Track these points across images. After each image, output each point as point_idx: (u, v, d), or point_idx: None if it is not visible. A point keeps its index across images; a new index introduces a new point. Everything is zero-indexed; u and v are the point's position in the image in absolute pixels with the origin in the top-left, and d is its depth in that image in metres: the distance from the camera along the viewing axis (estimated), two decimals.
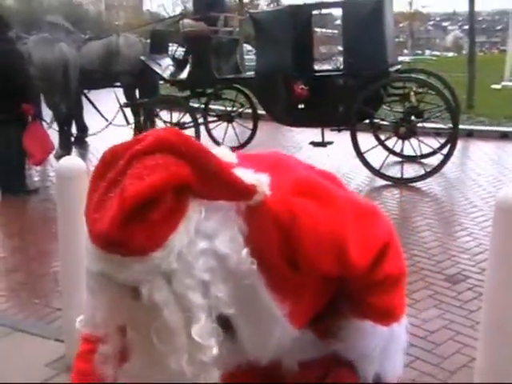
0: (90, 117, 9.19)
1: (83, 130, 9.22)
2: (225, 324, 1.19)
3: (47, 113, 8.45)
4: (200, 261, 1.05)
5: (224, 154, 1.22)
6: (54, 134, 7.79)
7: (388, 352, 1.39)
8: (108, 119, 8.39)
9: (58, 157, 6.68)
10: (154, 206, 0.99)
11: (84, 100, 9.17)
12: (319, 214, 1.19)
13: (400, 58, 8.78)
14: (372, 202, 1.47)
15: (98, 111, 8.75)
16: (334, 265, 1.21)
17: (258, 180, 1.14)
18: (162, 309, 1.04)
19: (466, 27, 17.97)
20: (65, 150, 8.04)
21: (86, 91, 9.03)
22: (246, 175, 1.14)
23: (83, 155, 8.37)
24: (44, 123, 7.74)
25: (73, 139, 8.86)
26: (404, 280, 1.37)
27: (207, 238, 1.06)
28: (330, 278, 1.27)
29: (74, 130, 9.02)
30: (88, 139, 9.17)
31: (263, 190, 1.14)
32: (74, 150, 8.62)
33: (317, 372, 1.40)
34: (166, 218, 1.01)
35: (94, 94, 9.19)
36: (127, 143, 1.08)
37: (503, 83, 16.73)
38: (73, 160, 2.79)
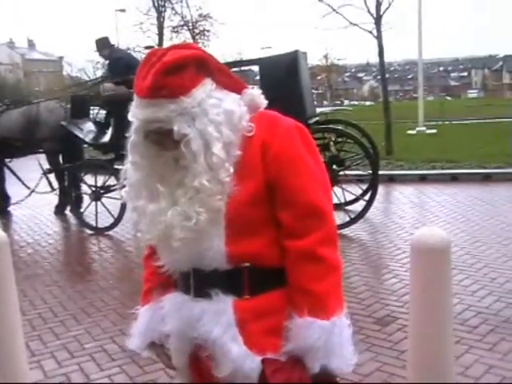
0: (12, 185, 8.98)
1: (5, 199, 8.99)
2: None
3: None
4: (213, 110, 1.51)
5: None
6: None
7: (331, 344, 1.47)
8: (30, 187, 8.23)
9: None
10: (183, 70, 1.48)
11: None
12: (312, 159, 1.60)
13: (319, 110, 9.06)
14: None
15: (20, 180, 8.57)
16: (324, 201, 1.56)
17: (254, 89, 1.66)
18: (188, 137, 1.47)
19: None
20: None
21: (7, 160, 8.87)
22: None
23: (6, 225, 8.15)
24: None
25: None
26: (340, 274, 1.53)
27: (217, 99, 1.54)
28: (285, 230, 1.52)
29: None
30: (11, 208, 8.96)
31: (256, 93, 1.63)
32: None
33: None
34: (190, 78, 1.50)
35: (16, 162, 9.03)
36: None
37: (418, 128, 17.55)
38: None
